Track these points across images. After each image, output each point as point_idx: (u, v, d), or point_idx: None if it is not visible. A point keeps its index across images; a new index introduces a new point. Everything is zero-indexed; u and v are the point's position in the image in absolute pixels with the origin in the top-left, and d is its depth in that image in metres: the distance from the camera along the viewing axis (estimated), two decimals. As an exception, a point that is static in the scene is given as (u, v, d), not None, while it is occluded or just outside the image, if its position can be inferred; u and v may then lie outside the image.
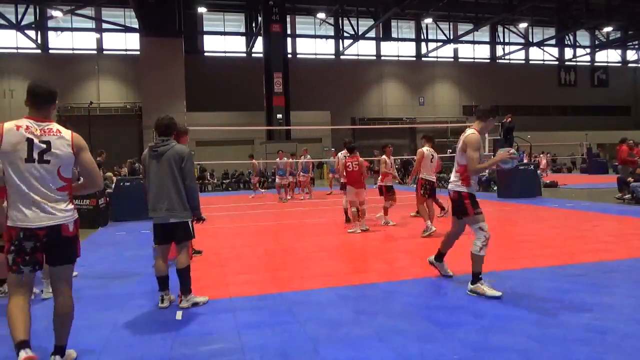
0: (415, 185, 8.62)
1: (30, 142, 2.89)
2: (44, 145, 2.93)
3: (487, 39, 41.54)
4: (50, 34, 32.84)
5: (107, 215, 11.32)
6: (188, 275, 4.39)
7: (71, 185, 3.12)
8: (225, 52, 36.45)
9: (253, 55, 35.68)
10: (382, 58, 39.21)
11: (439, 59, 40.47)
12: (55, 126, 3.02)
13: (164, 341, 3.57)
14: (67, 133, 3.05)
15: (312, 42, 37.92)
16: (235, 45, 36.68)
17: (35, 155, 2.91)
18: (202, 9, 33.66)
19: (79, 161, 3.10)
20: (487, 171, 17.67)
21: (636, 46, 44.28)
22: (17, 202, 2.92)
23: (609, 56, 45.29)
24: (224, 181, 26.47)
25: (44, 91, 3.03)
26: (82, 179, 3.30)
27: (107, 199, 11.48)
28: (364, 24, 35.55)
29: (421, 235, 7.80)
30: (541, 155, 28.81)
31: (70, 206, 3.07)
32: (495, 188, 15.49)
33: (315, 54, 37.99)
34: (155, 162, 4.36)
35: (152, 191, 4.36)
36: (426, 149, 8.19)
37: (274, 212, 12.61)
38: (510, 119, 15.25)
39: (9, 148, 2.87)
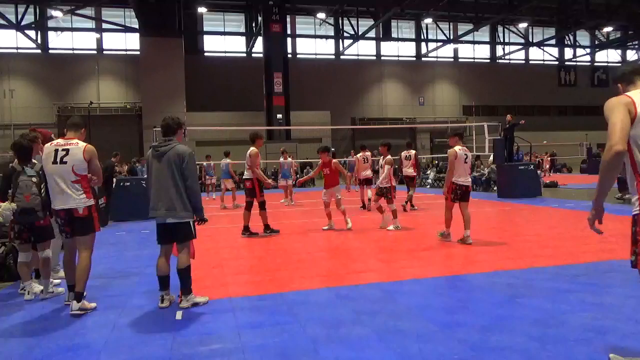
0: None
1: (56, 151, 4.35)
2: (64, 152, 4.34)
3: (487, 39, 41.55)
4: (50, 34, 32.84)
5: (107, 215, 11.32)
6: (188, 275, 4.39)
7: (85, 179, 4.42)
8: (225, 52, 36.45)
9: (253, 55, 35.68)
10: (382, 58, 39.22)
11: (439, 59, 40.48)
12: (76, 141, 4.44)
13: (164, 341, 3.57)
14: (82, 145, 4.42)
15: (312, 42, 37.91)
16: (235, 45, 36.68)
17: (58, 159, 4.32)
18: (202, 9, 33.66)
19: (89, 165, 4.42)
20: (485, 170, 17.67)
21: (636, 46, 44.27)
22: (50, 191, 4.44)
23: (609, 56, 45.31)
24: (224, 181, 26.39)
25: (71, 122, 4.65)
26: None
27: (107, 198, 11.48)
28: (364, 24, 35.55)
29: (437, 234, 7.47)
30: (545, 156, 28.87)
31: (83, 195, 4.38)
32: (495, 188, 15.49)
33: (315, 54, 37.99)
34: (156, 161, 4.37)
35: (153, 191, 4.37)
36: (458, 149, 7.11)
37: (274, 212, 12.60)
38: (511, 118, 15.26)
39: (45, 157, 4.42)
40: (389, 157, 8.76)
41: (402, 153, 12.20)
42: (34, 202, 4.71)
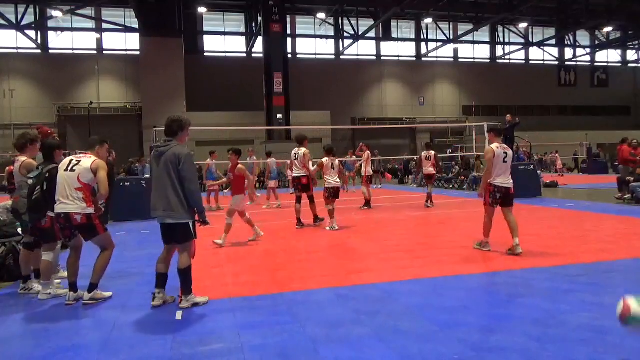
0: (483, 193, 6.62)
1: (70, 161, 4.69)
2: (77, 162, 4.66)
3: (487, 39, 41.58)
4: (50, 34, 32.87)
5: (107, 215, 11.30)
6: (189, 276, 4.39)
7: (88, 189, 4.61)
8: (225, 52, 36.46)
9: (253, 55, 35.69)
10: (382, 58, 39.23)
11: (439, 59, 40.50)
12: (91, 155, 4.77)
13: (164, 341, 3.57)
14: (93, 158, 4.73)
15: (312, 42, 37.94)
16: (235, 45, 36.70)
17: (69, 168, 4.63)
18: (202, 9, 33.68)
19: (96, 175, 4.63)
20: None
21: (636, 46, 44.31)
22: (56, 195, 4.61)
23: (609, 56, 45.34)
24: (224, 181, 26.38)
25: (88, 143, 5.00)
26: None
27: (107, 199, 11.46)
28: (364, 24, 35.58)
29: (473, 245, 6.67)
30: (557, 156, 28.70)
31: (83, 204, 4.56)
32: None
33: (315, 54, 38.00)
34: (155, 162, 4.38)
35: (153, 191, 4.38)
36: (496, 146, 6.38)
37: (274, 212, 12.60)
38: (511, 118, 15.25)
39: (61, 165, 4.71)
40: (323, 159, 9.36)
41: (423, 153, 12.93)
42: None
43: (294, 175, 9.43)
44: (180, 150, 4.31)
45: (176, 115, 4.60)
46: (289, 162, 19.23)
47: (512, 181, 6.41)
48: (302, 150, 9.28)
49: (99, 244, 4.74)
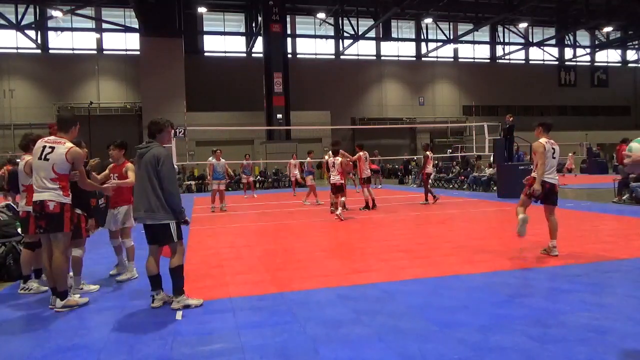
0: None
1: (43, 147, 4.43)
2: (50, 150, 4.40)
3: (487, 39, 41.57)
4: (50, 34, 32.87)
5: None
6: (179, 276, 4.38)
7: (65, 179, 4.42)
8: (225, 52, 36.46)
9: (253, 55, 35.69)
10: (382, 58, 39.23)
11: (439, 59, 40.50)
12: (64, 141, 4.47)
13: (164, 341, 3.57)
14: (68, 145, 4.44)
15: (312, 42, 37.93)
16: (235, 45, 36.70)
17: (42, 155, 4.39)
18: (202, 9, 33.68)
19: (73, 168, 4.46)
20: (487, 171, 17.67)
21: (636, 46, 44.31)
22: (33, 185, 4.46)
23: (609, 56, 45.34)
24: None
25: (60, 121, 4.75)
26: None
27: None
28: (364, 24, 35.57)
29: (540, 251, 6.27)
30: (569, 155, 28.38)
31: (59, 192, 4.37)
32: (495, 188, 15.49)
33: (315, 54, 38.00)
34: (137, 164, 4.43)
35: (135, 192, 4.43)
36: (545, 141, 6.16)
37: (274, 212, 12.60)
38: (511, 118, 15.27)
39: (34, 152, 4.51)
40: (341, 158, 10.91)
41: (428, 153, 13.80)
42: None
43: (332, 182, 10.94)
44: (159, 151, 4.33)
45: (157, 118, 4.61)
46: (292, 162, 19.45)
47: (557, 177, 6.27)
48: (339, 159, 10.93)
49: (57, 241, 4.39)
